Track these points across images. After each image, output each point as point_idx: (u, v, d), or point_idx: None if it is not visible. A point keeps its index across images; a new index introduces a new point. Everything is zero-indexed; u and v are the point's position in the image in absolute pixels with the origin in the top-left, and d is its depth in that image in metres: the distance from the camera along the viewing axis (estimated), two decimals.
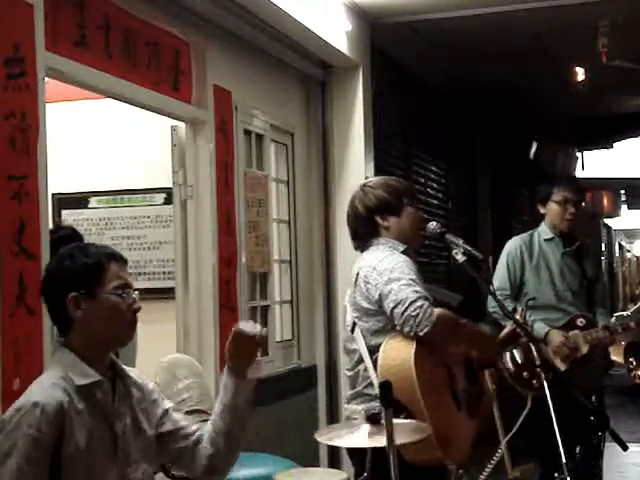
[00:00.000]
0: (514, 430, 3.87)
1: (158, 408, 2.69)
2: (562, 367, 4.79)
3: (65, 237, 4.93)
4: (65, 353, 2.54)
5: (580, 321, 4.96)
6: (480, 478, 3.71)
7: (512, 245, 5.14)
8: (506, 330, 3.97)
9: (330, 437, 2.85)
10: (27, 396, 2.46)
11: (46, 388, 2.45)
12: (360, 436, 2.69)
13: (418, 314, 3.23)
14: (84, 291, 2.51)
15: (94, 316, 2.52)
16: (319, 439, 2.79)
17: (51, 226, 4.57)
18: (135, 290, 2.60)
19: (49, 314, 2.61)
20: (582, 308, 5.06)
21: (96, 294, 2.52)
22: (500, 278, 5.05)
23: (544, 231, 5.16)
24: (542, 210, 5.17)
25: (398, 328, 3.30)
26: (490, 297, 4.81)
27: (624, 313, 13.37)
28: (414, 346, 3.27)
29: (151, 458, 2.64)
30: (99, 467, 2.47)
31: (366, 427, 2.70)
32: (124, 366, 2.67)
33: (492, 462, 3.77)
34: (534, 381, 4.49)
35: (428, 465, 3.29)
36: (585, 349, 4.89)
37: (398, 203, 3.57)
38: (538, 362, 3.82)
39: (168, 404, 2.74)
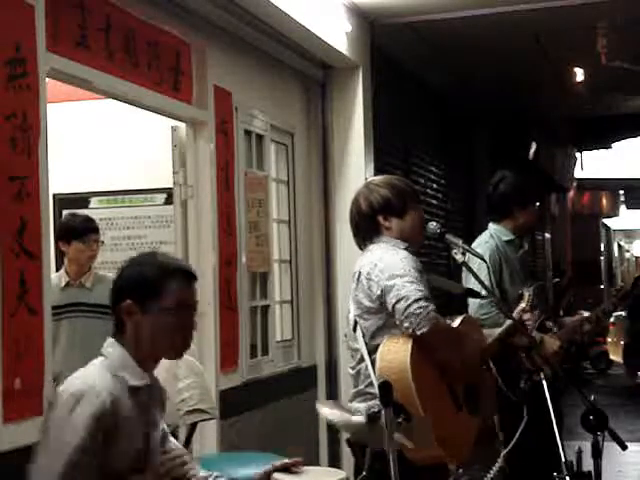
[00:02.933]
0: (512, 443, 3.80)
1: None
2: (549, 373, 4.58)
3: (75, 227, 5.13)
4: (117, 349, 2.51)
5: (549, 324, 4.83)
6: None
7: (489, 251, 4.77)
8: (504, 327, 3.96)
9: (329, 412, 2.85)
10: (81, 382, 2.41)
11: (101, 379, 2.42)
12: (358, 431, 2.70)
13: (420, 313, 3.24)
14: (138, 302, 2.49)
15: (143, 328, 2.50)
16: (319, 409, 2.80)
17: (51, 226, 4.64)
18: (194, 307, 2.57)
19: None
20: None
21: (148, 308, 2.49)
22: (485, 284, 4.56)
23: (503, 232, 4.90)
24: (518, 212, 4.90)
25: (397, 323, 3.31)
26: (477, 304, 4.56)
27: (623, 313, 13.37)
28: (410, 348, 3.27)
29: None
30: (130, 468, 2.46)
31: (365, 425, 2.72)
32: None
33: (492, 471, 3.72)
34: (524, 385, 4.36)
35: (428, 464, 3.30)
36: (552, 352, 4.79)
37: (402, 205, 3.57)
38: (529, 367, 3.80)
39: (165, 427, 2.75)
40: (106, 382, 2.41)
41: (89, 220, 5.33)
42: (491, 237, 4.91)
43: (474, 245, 4.90)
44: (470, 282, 4.70)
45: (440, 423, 3.26)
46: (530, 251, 13.56)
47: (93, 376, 2.44)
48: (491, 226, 4.98)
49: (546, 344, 4.65)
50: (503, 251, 4.86)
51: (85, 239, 5.21)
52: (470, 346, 3.55)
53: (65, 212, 6.33)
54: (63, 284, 5.27)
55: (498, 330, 4.02)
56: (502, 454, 3.68)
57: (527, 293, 4.17)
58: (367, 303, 3.44)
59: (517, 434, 3.71)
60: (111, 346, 2.52)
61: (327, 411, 3.30)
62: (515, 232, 4.94)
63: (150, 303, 2.49)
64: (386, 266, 3.38)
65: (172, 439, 2.79)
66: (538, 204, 5.08)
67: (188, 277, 2.57)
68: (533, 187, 5.09)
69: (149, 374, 2.54)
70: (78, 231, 5.20)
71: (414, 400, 3.21)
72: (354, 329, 3.48)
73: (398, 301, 3.29)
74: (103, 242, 5.45)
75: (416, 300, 3.26)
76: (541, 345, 4.58)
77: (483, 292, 4.58)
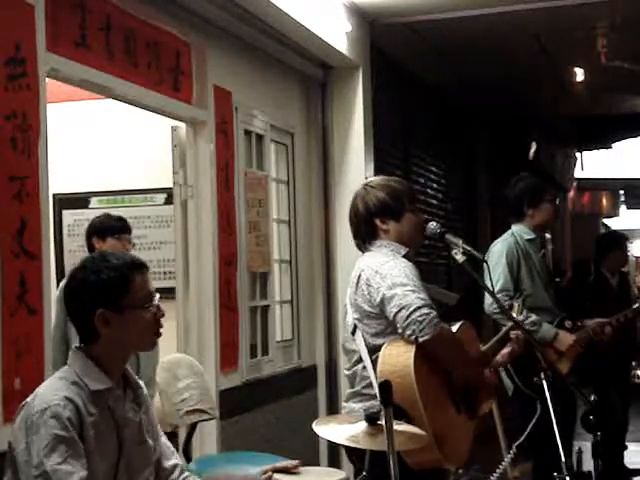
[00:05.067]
0: (524, 436, 3.84)
1: (155, 430, 2.72)
2: (565, 368, 4.82)
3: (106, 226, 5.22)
4: (80, 357, 2.54)
5: (568, 323, 4.95)
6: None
7: (507, 246, 5.02)
8: (505, 329, 3.96)
9: (327, 431, 2.85)
10: (41, 399, 2.45)
11: (60, 392, 2.45)
12: (358, 434, 2.70)
13: (424, 320, 3.22)
14: (112, 307, 2.50)
15: (122, 330, 2.52)
16: (316, 428, 2.79)
17: (52, 226, 4.65)
18: (157, 294, 2.60)
19: (73, 324, 2.59)
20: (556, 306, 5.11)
21: (123, 309, 2.51)
22: (503, 279, 4.91)
23: (525, 232, 5.09)
24: (531, 211, 5.09)
25: (400, 331, 3.29)
26: (489, 298, 4.78)
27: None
28: (413, 352, 3.26)
29: (151, 464, 2.66)
30: (100, 471, 2.48)
31: (364, 426, 2.71)
32: (136, 377, 2.69)
33: (502, 465, 3.74)
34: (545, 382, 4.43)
35: (427, 468, 3.29)
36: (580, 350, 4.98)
37: (399, 207, 3.54)
38: (544, 364, 3.84)
39: (159, 428, 2.77)
40: (66, 392, 2.44)
41: (123, 220, 5.45)
42: (512, 235, 5.10)
43: (494, 243, 5.07)
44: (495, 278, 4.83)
45: (441, 426, 3.25)
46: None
47: (53, 389, 2.47)
48: (513, 227, 5.15)
49: (561, 339, 4.85)
50: (524, 249, 5.03)
51: (120, 237, 5.34)
52: (469, 350, 3.55)
53: (65, 212, 6.36)
54: None
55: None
56: (514, 445, 3.69)
57: (516, 303, 4.22)
58: (367, 308, 3.42)
59: (528, 428, 3.74)
60: (74, 355, 2.56)
61: None
62: (535, 231, 5.12)
63: (123, 303, 2.51)
64: (387, 274, 3.36)
65: (164, 439, 2.79)
66: (555, 202, 5.22)
67: (144, 268, 2.59)
68: (546, 186, 5.24)
69: (115, 379, 2.56)
70: (114, 228, 5.34)
71: (417, 403, 3.20)
72: (353, 332, 3.46)
73: (400, 310, 3.27)
74: (134, 244, 5.55)
75: (418, 308, 3.24)
76: (556, 339, 4.85)
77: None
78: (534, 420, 3.79)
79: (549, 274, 5.18)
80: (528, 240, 5.06)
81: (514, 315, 4.12)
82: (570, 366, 4.86)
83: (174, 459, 2.76)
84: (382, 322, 3.38)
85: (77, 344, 2.60)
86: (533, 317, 4.80)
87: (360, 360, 3.44)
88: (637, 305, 5.69)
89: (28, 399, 2.48)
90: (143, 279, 2.56)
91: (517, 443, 3.75)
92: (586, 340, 5.11)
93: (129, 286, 2.52)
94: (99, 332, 2.51)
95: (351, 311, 3.49)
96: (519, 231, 5.09)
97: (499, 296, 4.70)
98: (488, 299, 4.79)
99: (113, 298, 2.50)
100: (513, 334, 3.88)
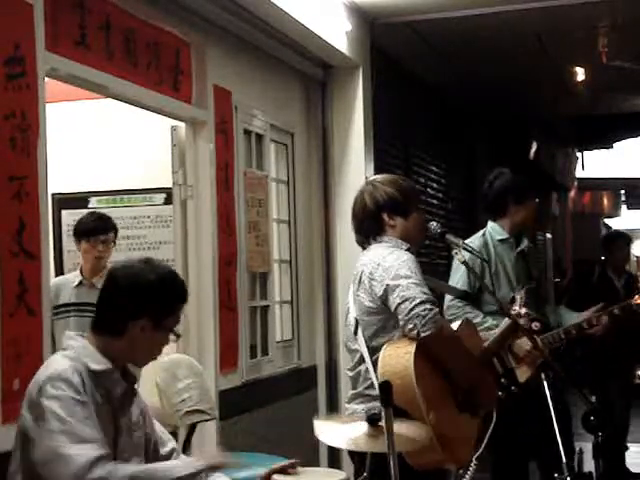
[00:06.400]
0: (482, 447, 3.75)
1: (147, 420, 2.75)
2: (524, 377, 4.38)
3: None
4: (81, 341, 2.57)
5: (535, 325, 4.44)
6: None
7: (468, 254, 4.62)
8: (505, 324, 3.94)
9: (327, 432, 2.84)
10: (48, 368, 2.50)
11: (66, 363, 2.50)
12: (358, 436, 2.69)
13: (427, 315, 3.23)
14: (156, 320, 2.54)
15: (145, 342, 2.57)
16: (316, 432, 2.79)
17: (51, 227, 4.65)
18: None
19: (102, 309, 2.61)
20: (533, 308, 4.65)
21: (161, 327, 2.57)
22: (460, 287, 4.67)
23: (497, 231, 4.86)
24: (514, 209, 4.85)
25: (401, 323, 3.29)
26: (446, 305, 4.56)
27: None
28: (413, 352, 3.26)
29: (141, 454, 2.68)
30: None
31: (365, 427, 2.70)
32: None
33: (469, 472, 3.68)
34: (499, 393, 4.25)
35: (429, 468, 3.29)
36: (546, 353, 4.53)
37: (407, 205, 3.56)
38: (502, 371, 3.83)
39: (152, 418, 2.79)
40: (70, 364, 2.49)
41: (101, 219, 5.40)
42: (482, 236, 4.87)
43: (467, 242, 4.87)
44: (454, 280, 4.71)
45: (443, 426, 3.25)
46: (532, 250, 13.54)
47: (58, 362, 2.52)
48: (488, 224, 4.94)
49: (516, 345, 4.43)
50: (493, 253, 4.79)
51: (91, 239, 5.31)
52: (470, 348, 3.54)
53: (65, 212, 6.35)
54: (76, 283, 5.36)
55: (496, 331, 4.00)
56: (473, 457, 3.63)
57: (519, 296, 4.15)
58: (368, 303, 3.42)
59: (485, 438, 3.66)
60: (72, 339, 2.59)
61: None
62: (512, 231, 4.88)
63: (164, 322, 2.57)
64: (390, 266, 3.36)
65: (158, 426, 2.81)
66: (537, 201, 5.04)
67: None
68: (529, 183, 5.03)
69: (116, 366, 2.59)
70: (85, 230, 5.33)
71: (419, 404, 3.20)
72: (355, 331, 3.46)
73: (403, 302, 3.27)
74: (114, 243, 5.49)
75: (422, 302, 3.25)
76: (512, 345, 4.39)
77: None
78: (490, 429, 3.71)
79: (528, 275, 4.89)
80: (500, 240, 4.84)
81: (517, 308, 4.07)
82: (530, 375, 4.38)
83: (170, 444, 2.81)
84: (382, 318, 3.38)
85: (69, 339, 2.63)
86: (489, 322, 4.46)
87: (362, 360, 3.44)
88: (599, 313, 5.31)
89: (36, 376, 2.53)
90: (182, 309, 2.65)
91: (476, 454, 3.68)
92: (557, 343, 4.75)
93: (177, 309, 2.60)
94: (126, 333, 2.54)
95: (354, 309, 3.49)
96: (492, 231, 4.87)
97: (452, 303, 4.57)
98: (447, 301, 4.60)
99: (165, 313, 2.56)
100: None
